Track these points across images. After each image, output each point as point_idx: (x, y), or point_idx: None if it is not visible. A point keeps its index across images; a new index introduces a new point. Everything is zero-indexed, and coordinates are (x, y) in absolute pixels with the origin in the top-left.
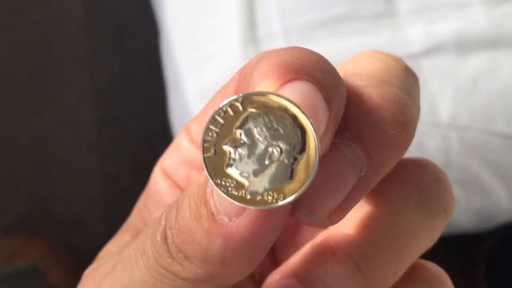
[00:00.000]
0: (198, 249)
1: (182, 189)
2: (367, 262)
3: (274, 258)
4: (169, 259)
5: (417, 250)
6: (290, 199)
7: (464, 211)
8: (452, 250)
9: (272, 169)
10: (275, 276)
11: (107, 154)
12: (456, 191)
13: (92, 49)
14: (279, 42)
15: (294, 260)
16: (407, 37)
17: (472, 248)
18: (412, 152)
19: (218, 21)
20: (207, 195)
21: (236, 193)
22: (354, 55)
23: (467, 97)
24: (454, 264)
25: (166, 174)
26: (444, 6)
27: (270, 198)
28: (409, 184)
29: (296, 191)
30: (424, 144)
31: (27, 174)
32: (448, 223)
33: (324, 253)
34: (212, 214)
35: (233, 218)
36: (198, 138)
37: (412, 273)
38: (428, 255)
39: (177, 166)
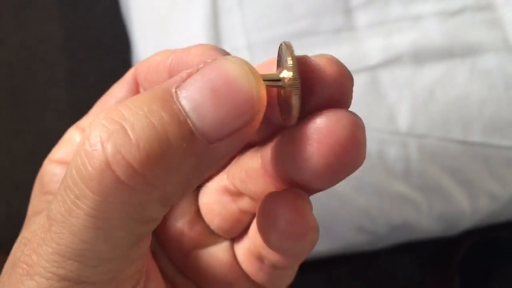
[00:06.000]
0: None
1: None
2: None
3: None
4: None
5: None
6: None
7: (427, 217)
8: (425, 258)
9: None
10: None
11: None
12: (418, 197)
13: (70, 69)
14: (244, 57)
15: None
16: (366, 50)
17: (446, 256)
18: (373, 159)
19: (184, 38)
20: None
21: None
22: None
23: (424, 106)
24: (428, 272)
25: (60, 162)
26: (400, 19)
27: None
28: None
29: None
30: (385, 152)
31: (7, 194)
32: (413, 229)
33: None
34: (192, 133)
35: (215, 141)
36: None
37: None
38: (403, 264)
39: (71, 155)
